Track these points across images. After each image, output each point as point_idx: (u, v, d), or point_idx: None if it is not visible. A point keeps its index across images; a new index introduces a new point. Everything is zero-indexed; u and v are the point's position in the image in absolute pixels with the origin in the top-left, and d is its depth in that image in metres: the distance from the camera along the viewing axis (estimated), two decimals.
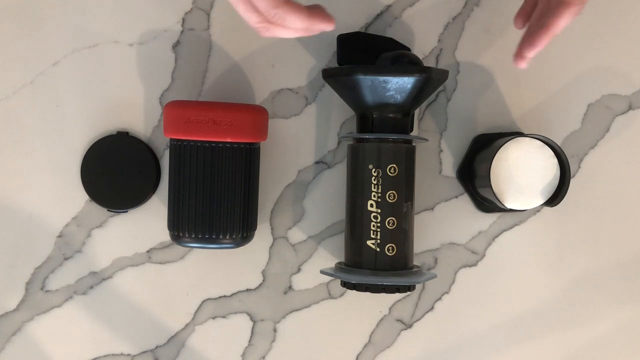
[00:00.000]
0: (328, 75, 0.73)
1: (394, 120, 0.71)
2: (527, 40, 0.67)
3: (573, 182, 0.77)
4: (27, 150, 0.79)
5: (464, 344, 0.80)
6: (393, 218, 0.70)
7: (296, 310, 0.80)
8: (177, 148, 0.72)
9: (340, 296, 0.80)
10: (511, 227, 0.80)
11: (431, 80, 0.70)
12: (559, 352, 0.81)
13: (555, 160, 0.73)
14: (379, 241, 0.70)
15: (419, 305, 0.80)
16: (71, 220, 0.79)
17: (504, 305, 0.80)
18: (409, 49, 0.77)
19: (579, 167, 0.80)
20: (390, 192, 0.70)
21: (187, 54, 0.79)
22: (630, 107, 0.80)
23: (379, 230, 0.70)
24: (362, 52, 0.76)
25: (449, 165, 0.80)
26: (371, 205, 0.70)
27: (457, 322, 0.80)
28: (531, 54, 0.68)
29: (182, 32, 0.79)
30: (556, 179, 0.73)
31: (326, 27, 0.63)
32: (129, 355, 0.80)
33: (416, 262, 0.79)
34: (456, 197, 0.80)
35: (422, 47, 0.79)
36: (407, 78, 0.69)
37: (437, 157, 0.80)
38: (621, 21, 0.80)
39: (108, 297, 0.79)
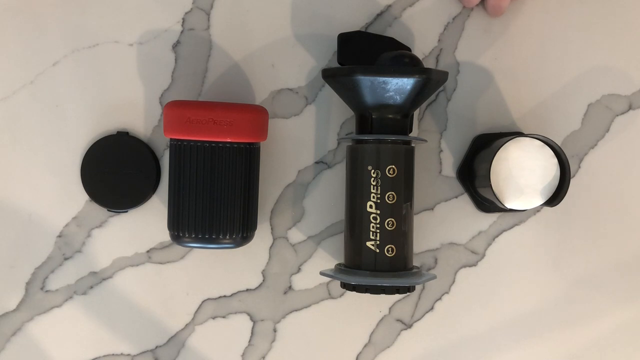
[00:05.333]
0: (328, 75, 0.73)
1: (393, 121, 0.71)
2: None
3: (573, 182, 0.77)
4: (27, 150, 0.79)
5: (464, 344, 0.80)
6: (392, 219, 0.70)
7: (296, 310, 0.80)
8: (177, 148, 0.72)
9: (340, 296, 0.80)
10: (511, 227, 0.80)
11: (431, 82, 0.70)
12: (559, 352, 0.81)
13: (555, 160, 0.73)
14: (378, 242, 0.70)
15: (419, 305, 0.80)
16: (71, 220, 0.79)
17: (504, 305, 0.80)
18: (409, 49, 0.77)
19: (579, 167, 0.80)
20: (390, 193, 0.70)
21: (187, 54, 0.79)
22: (630, 107, 0.80)
23: (378, 231, 0.70)
24: (362, 51, 0.76)
25: (449, 165, 0.80)
26: (370, 207, 0.70)
27: (457, 322, 0.80)
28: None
29: (182, 32, 0.79)
30: (556, 179, 0.73)
31: None
32: (129, 355, 0.80)
33: (416, 262, 0.79)
34: (456, 197, 0.80)
35: (422, 47, 0.79)
36: (406, 79, 0.69)
37: (437, 157, 0.80)
38: (621, 21, 0.80)
39: (108, 297, 0.79)
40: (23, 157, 0.79)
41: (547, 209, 0.78)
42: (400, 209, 0.71)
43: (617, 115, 0.80)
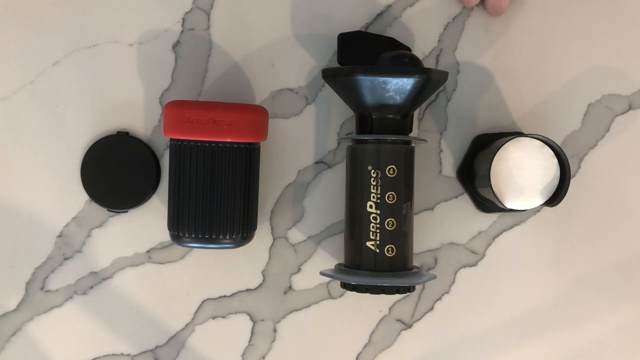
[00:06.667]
0: (328, 75, 0.73)
1: (393, 121, 0.71)
2: None
3: (573, 182, 0.77)
4: (27, 150, 0.79)
5: (464, 344, 0.80)
6: (392, 219, 0.70)
7: (296, 310, 0.80)
8: (177, 148, 0.72)
9: (340, 296, 0.80)
10: (511, 227, 0.80)
11: (431, 82, 0.70)
12: (559, 352, 0.81)
13: (555, 160, 0.73)
14: (378, 242, 0.70)
15: (419, 305, 0.80)
16: (71, 220, 0.79)
17: (504, 305, 0.80)
18: (409, 49, 0.77)
19: (579, 167, 0.80)
20: (390, 193, 0.70)
21: (187, 54, 0.79)
22: (630, 107, 0.80)
23: (378, 231, 0.70)
24: (362, 51, 0.76)
25: (449, 165, 0.80)
26: (370, 207, 0.70)
27: (457, 322, 0.80)
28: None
29: (182, 32, 0.79)
30: (556, 179, 0.73)
31: None
32: (129, 355, 0.80)
33: (416, 262, 0.79)
34: (456, 197, 0.80)
35: (422, 47, 0.79)
36: (406, 79, 0.69)
37: (437, 157, 0.80)
38: (621, 21, 0.80)
39: (108, 297, 0.79)
40: (23, 157, 0.79)
41: (547, 209, 0.78)
42: (400, 209, 0.71)
43: (617, 115, 0.80)
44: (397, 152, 0.71)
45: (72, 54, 0.79)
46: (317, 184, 0.80)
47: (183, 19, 0.79)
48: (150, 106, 0.79)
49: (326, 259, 0.79)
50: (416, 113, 0.78)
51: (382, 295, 0.75)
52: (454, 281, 0.80)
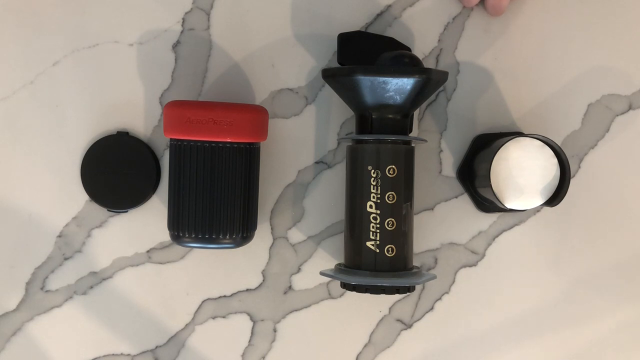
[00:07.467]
0: (328, 75, 0.73)
1: (393, 121, 0.71)
2: None
3: (573, 182, 0.77)
4: (27, 150, 0.79)
5: (464, 344, 0.80)
6: (392, 219, 0.70)
7: (296, 310, 0.80)
8: (177, 148, 0.72)
9: (340, 296, 0.80)
10: (511, 227, 0.80)
11: (431, 82, 0.70)
12: (559, 352, 0.81)
13: (555, 160, 0.73)
14: (378, 242, 0.70)
15: (419, 305, 0.80)
16: (71, 220, 0.79)
17: (504, 305, 0.80)
18: (409, 49, 0.77)
19: (579, 167, 0.80)
20: (390, 193, 0.70)
21: (187, 54, 0.79)
22: (630, 107, 0.80)
23: (378, 231, 0.70)
24: (362, 51, 0.76)
25: (449, 165, 0.80)
26: (370, 207, 0.70)
27: (457, 322, 0.80)
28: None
29: (182, 32, 0.79)
30: (556, 179, 0.73)
31: None
32: (129, 355, 0.80)
33: (416, 262, 0.79)
34: (456, 197, 0.80)
35: (422, 47, 0.79)
36: (406, 79, 0.69)
37: (437, 157, 0.80)
38: (621, 21, 0.80)
39: (108, 297, 0.79)
40: (23, 157, 0.79)
41: (547, 209, 0.78)
42: (400, 209, 0.71)
43: (617, 115, 0.80)
44: (397, 152, 0.71)
45: (72, 54, 0.79)
46: (317, 184, 0.80)
47: (183, 19, 0.79)
48: (150, 106, 0.79)
49: (326, 259, 0.79)
50: (416, 113, 0.78)
51: (382, 295, 0.75)
52: (454, 281, 0.80)
